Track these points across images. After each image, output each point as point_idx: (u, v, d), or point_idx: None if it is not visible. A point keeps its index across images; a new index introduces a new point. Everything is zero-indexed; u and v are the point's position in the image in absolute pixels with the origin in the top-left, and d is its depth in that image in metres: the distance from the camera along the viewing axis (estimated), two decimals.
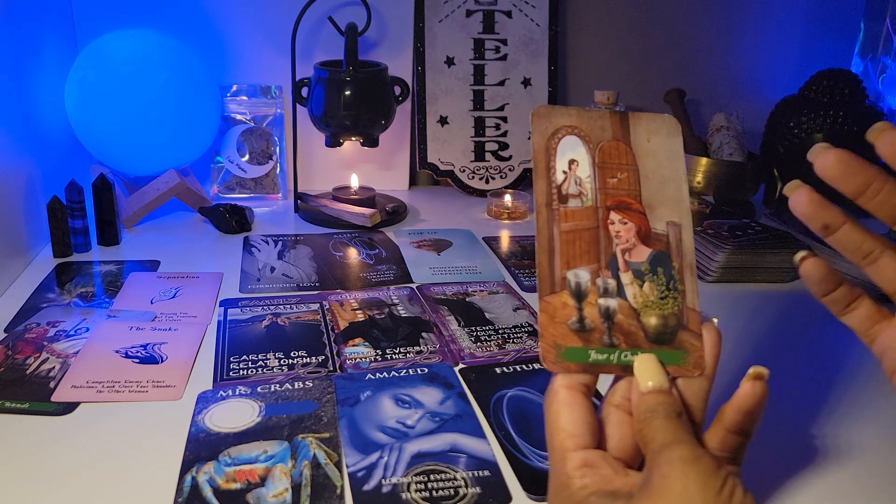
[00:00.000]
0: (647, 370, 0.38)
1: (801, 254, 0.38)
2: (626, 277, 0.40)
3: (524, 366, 0.62)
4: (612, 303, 0.39)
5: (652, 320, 0.39)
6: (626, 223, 0.41)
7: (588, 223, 0.40)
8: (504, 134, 1.13)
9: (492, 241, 0.93)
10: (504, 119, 1.12)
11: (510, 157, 1.13)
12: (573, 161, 0.41)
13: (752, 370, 0.37)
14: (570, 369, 0.38)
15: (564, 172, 0.40)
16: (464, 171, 1.12)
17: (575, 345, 0.38)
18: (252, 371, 0.60)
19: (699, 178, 1.05)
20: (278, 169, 1.06)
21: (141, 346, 0.63)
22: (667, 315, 0.39)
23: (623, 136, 0.42)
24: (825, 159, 0.41)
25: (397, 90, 1.00)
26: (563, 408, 0.38)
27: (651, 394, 0.37)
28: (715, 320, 0.40)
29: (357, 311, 0.72)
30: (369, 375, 0.60)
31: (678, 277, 0.40)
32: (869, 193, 0.40)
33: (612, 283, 0.39)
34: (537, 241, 0.39)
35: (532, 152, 0.40)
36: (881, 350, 0.43)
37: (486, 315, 0.72)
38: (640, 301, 0.39)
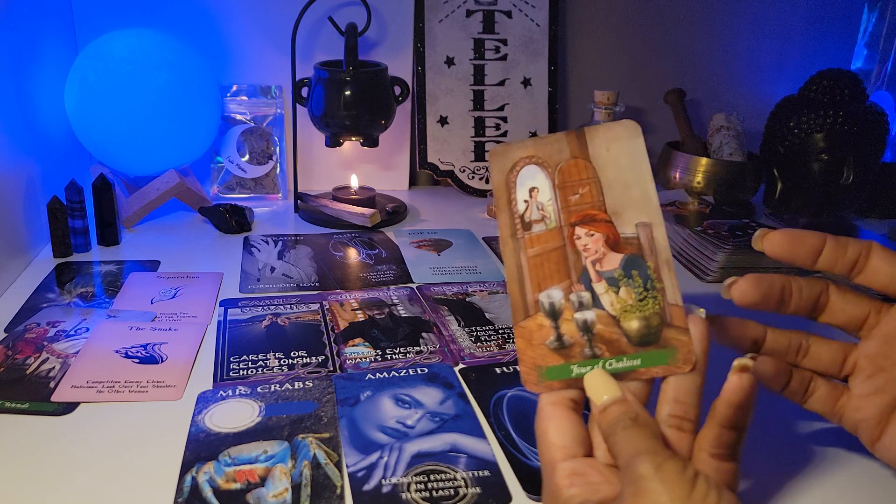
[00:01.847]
0: (597, 386, 0.38)
1: (744, 360, 0.37)
2: (600, 287, 0.40)
3: None
4: (589, 315, 0.39)
5: (633, 324, 0.39)
6: (592, 235, 0.41)
7: (554, 244, 0.41)
8: (504, 134, 1.13)
9: (492, 241, 0.93)
10: (504, 119, 1.12)
11: None
12: (533, 188, 0.41)
13: (736, 362, 0.37)
14: (553, 387, 0.39)
15: (525, 201, 0.41)
16: (464, 171, 1.12)
17: (555, 363, 0.39)
18: (252, 371, 0.60)
19: (699, 178, 1.05)
20: (278, 169, 1.06)
21: (141, 346, 0.63)
22: (648, 316, 0.39)
23: (581, 153, 0.42)
24: (772, 240, 0.42)
25: (397, 90, 1.00)
26: (550, 422, 0.38)
27: (610, 407, 0.37)
28: (702, 311, 0.39)
29: (357, 311, 0.72)
30: (369, 375, 0.60)
31: (655, 276, 0.40)
32: (825, 254, 0.42)
33: (585, 295, 0.40)
34: (506, 272, 0.40)
35: (493, 190, 0.41)
36: (853, 424, 0.44)
37: (486, 315, 0.72)
38: (618, 307, 0.39)
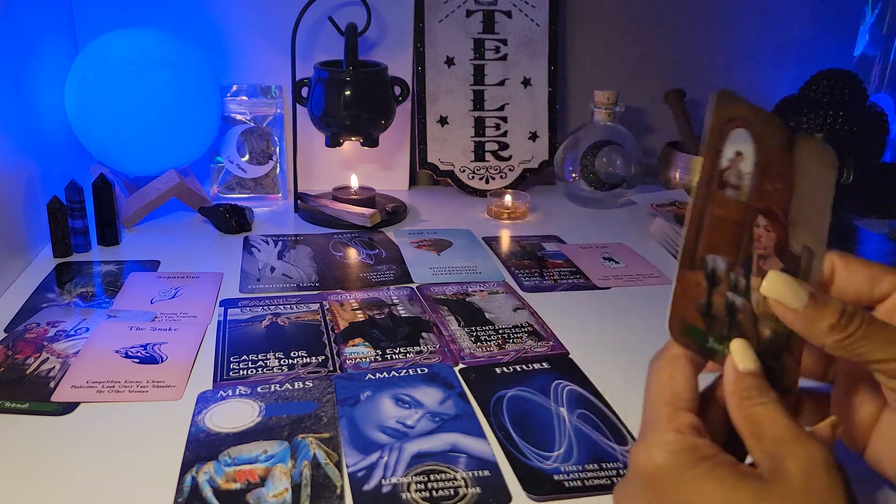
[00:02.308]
0: (743, 352, 0.37)
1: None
2: (755, 282, 0.39)
3: (524, 366, 0.62)
4: (738, 300, 0.39)
5: (766, 331, 0.39)
6: (769, 231, 0.40)
7: (737, 217, 0.39)
8: (504, 134, 1.13)
9: (492, 241, 0.93)
10: (504, 119, 1.12)
11: (510, 157, 1.13)
12: (739, 153, 0.39)
13: (833, 419, 0.39)
14: (689, 346, 0.38)
15: (730, 160, 0.39)
16: (464, 171, 1.12)
17: (698, 325, 0.38)
18: (252, 371, 0.60)
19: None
20: (278, 169, 1.06)
21: (141, 346, 0.63)
22: (780, 333, 0.39)
23: (787, 149, 0.41)
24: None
25: (397, 90, 1.00)
26: (679, 373, 0.37)
27: (750, 375, 0.36)
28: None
29: (357, 311, 0.72)
30: (369, 375, 0.60)
31: None
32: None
33: (742, 281, 0.39)
34: (689, 214, 0.38)
35: (705, 130, 0.39)
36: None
37: (486, 315, 0.72)
38: (762, 309, 0.39)
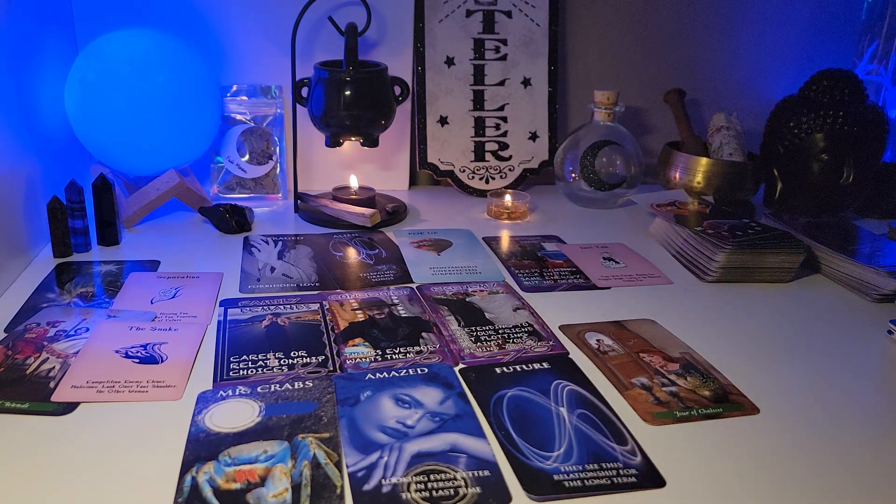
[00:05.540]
0: None
1: None
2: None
3: (524, 366, 0.62)
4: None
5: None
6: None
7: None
8: (504, 134, 1.13)
9: (492, 241, 0.93)
10: (504, 119, 1.12)
11: (510, 157, 1.13)
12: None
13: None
14: None
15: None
16: (464, 171, 1.12)
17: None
18: (252, 371, 0.60)
19: (699, 178, 1.04)
20: (278, 169, 1.06)
21: (141, 346, 0.63)
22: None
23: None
24: None
25: (397, 90, 1.00)
26: None
27: None
28: None
29: (357, 311, 0.72)
30: (369, 375, 0.60)
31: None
32: None
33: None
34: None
35: None
36: None
37: (486, 315, 0.72)
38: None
